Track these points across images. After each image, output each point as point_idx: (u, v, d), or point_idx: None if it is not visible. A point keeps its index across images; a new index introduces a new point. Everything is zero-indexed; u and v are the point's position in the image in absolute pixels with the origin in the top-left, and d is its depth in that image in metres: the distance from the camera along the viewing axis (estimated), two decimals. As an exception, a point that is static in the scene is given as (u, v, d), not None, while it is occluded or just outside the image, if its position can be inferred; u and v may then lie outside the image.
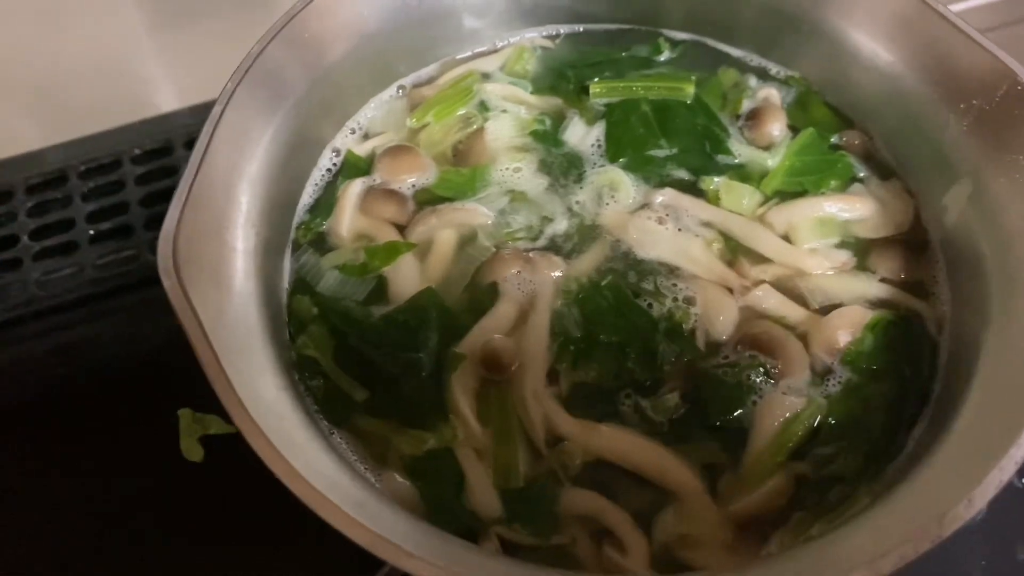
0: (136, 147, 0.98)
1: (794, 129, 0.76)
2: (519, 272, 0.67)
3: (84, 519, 0.72)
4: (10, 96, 1.10)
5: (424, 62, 0.81)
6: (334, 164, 0.75)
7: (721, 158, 0.74)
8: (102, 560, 0.71)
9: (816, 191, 0.72)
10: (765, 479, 0.59)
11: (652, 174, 0.73)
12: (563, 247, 0.70)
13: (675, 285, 0.67)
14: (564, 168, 0.74)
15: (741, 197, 0.71)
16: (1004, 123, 0.62)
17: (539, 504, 0.59)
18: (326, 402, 0.62)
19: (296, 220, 0.72)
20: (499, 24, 0.81)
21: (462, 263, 0.69)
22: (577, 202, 0.72)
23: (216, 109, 0.61)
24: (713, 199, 0.72)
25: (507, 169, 0.74)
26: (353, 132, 0.77)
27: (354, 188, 0.72)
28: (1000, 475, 0.49)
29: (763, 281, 0.67)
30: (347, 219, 0.71)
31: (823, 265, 0.68)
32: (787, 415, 0.61)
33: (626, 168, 0.74)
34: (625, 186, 0.72)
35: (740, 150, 0.75)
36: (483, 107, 0.78)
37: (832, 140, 0.75)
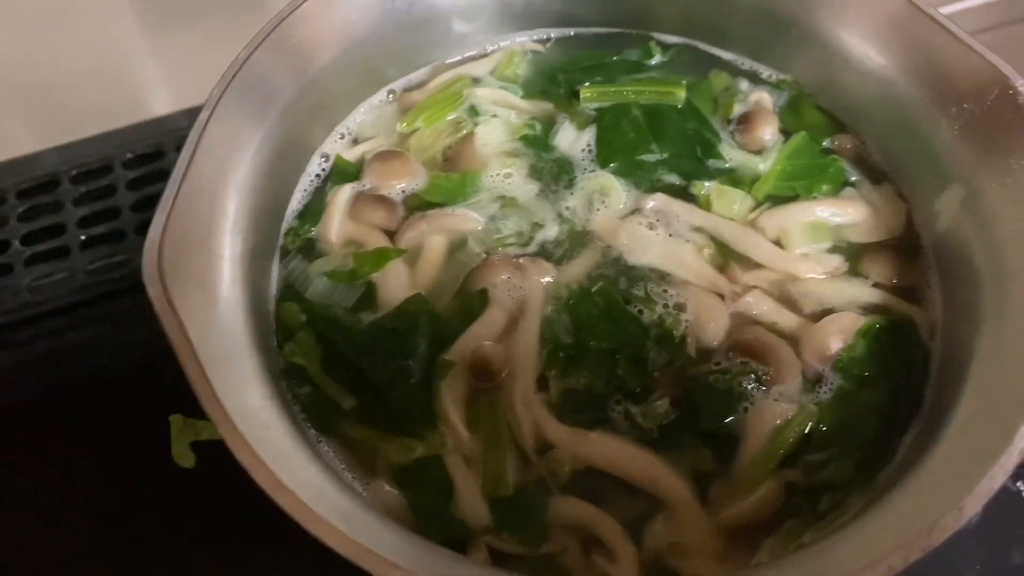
0: (128, 151, 0.98)
1: (786, 133, 0.75)
2: (509, 278, 0.67)
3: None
4: (2, 99, 1.09)
5: (414, 66, 0.80)
6: (323, 170, 0.75)
7: (712, 163, 0.74)
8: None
9: (808, 195, 0.71)
10: (756, 486, 0.58)
11: (643, 179, 0.73)
12: (553, 253, 0.70)
13: (666, 291, 0.67)
14: (555, 173, 0.74)
15: (732, 202, 0.71)
16: (996, 127, 0.62)
17: (528, 512, 0.58)
18: (314, 410, 0.62)
19: (284, 226, 0.72)
20: (489, 28, 0.81)
21: (452, 269, 0.69)
22: (567, 208, 0.72)
23: (202, 116, 0.61)
24: (704, 204, 0.71)
25: (497, 174, 0.74)
26: (342, 137, 0.77)
27: (343, 194, 0.72)
28: (990, 484, 0.49)
29: (754, 287, 0.67)
30: (336, 225, 0.70)
31: (815, 270, 0.68)
32: (778, 422, 0.61)
33: (617, 173, 0.73)
34: (616, 191, 0.72)
35: (731, 154, 0.74)
36: (473, 112, 0.77)
37: (824, 144, 0.75)
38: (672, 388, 0.63)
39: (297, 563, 0.64)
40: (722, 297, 0.67)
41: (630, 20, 0.82)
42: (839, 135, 0.76)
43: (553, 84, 0.79)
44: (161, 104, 1.10)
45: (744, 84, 0.79)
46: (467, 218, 0.71)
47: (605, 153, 0.74)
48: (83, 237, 0.91)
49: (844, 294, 0.67)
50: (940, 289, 0.67)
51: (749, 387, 0.62)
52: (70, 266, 0.89)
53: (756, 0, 0.76)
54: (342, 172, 0.74)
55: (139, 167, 0.96)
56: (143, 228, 0.89)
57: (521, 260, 0.68)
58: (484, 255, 0.69)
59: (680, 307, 0.66)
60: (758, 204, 0.72)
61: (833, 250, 0.69)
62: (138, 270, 0.84)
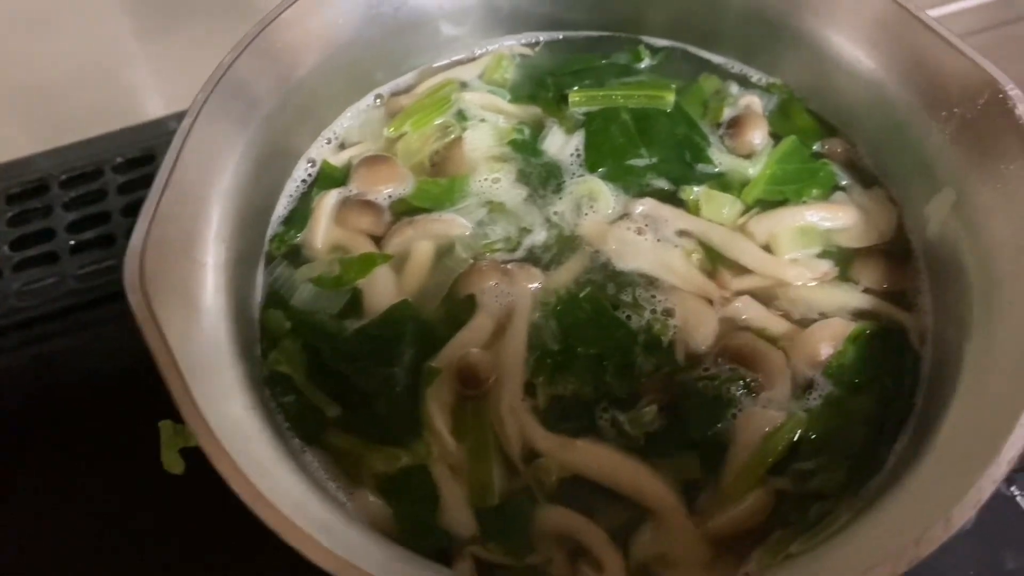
0: (118, 155, 0.97)
1: (776, 137, 0.75)
2: (497, 284, 0.66)
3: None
4: (-6, 103, 1.09)
5: (401, 71, 0.80)
6: (309, 175, 0.74)
7: (701, 167, 0.73)
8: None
9: (798, 200, 0.71)
10: (745, 495, 0.58)
11: (632, 184, 0.72)
12: (542, 258, 0.69)
13: (654, 297, 0.66)
14: (543, 178, 0.73)
15: (721, 207, 0.70)
16: (986, 132, 0.62)
17: (515, 522, 0.58)
18: (298, 419, 0.61)
19: (270, 232, 0.71)
20: (477, 32, 0.80)
21: (439, 275, 0.68)
22: (556, 213, 0.71)
23: (185, 122, 0.60)
24: (693, 209, 0.71)
25: (485, 179, 0.73)
26: (329, 142, 0.76)
27: (329, 199, 0.71)
28: (978, 495, 0.48)
29: (743, 292, 0.66)
30: (322, 230, 0.70)
31: (804, 275, 0.67)
32: (767, 429, 0.60)
33: (605, 178, 0.73)
34: (604, 196, 0.71)
35: (720, 159, 0.74)
36: (461, 116, 0.77)
37: (814, 148, 0.75)
38: (660, 395, 0.62)
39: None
40: (711, 302, 0.66)
41: (619, 23, 0.81)
42: (830, 139, 0.75)
43: (542, 88, 0.79)
44: (154, 107, 1.10)
45: (734, 88, 0.78)
46: (454, 223, 0.70)
47: (594, 158, 0.74)
48: (73, 242, 0.91)
49: (834, 299, 0.66)
50: (931, 294, 0.67)
51: (738, 394, 0.62)
52: (59, 271, 0.89)
53: (746, 3, 0.75)
54: (329, 177, 0.74)
55: (130, 171, 0.96)
56: (133, 233, 0.90)
57: (509, 266, 0.68)
58: (471, 261, 0.68)
59: (668, 312, 0.65)
60: (747, 209, 0.71)
61: (823, 255, 0.69)
62: (128, 275, 0.83)
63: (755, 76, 0.79)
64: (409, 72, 0.80)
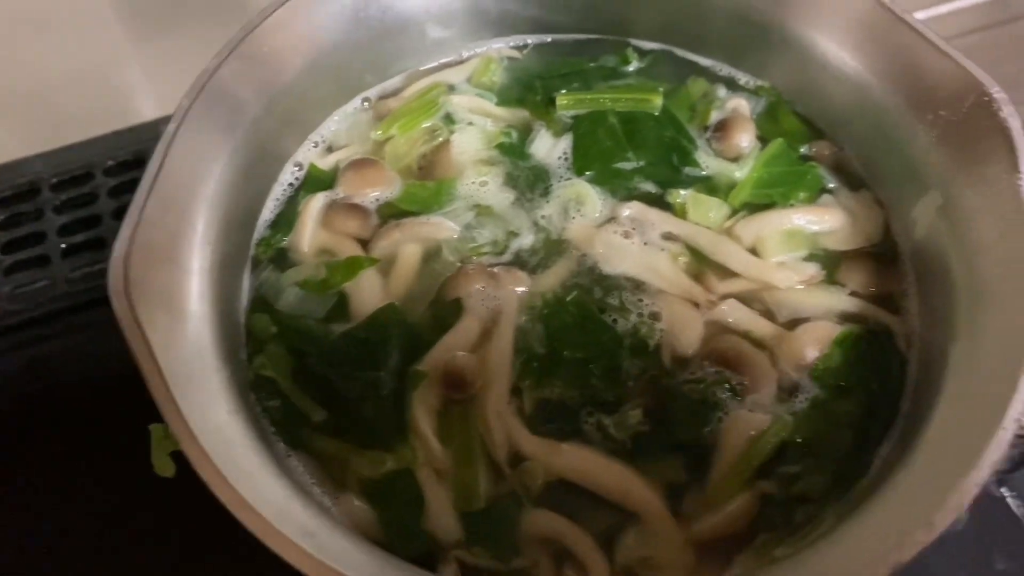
0: (110, 158, 0.97)
1: (763, 140, 0.74)
2: (483, 288, 0.66)
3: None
4: (-14, 105, 1.09)
5: (389, 74, 0.80)
6: (296, 178, 0.74)
7: (689, 170, 0.73)
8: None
9: (785, 203, 0.71)
10: (730, 499, 0.58)
11: (619, 187, 0.72)
12: (529, 262, 0.69)
13: (641, 300, 0.66)
14: (531, 182, 0.73)
15: (708, 210, 0.70)
16: (971, 134, 0.61)
17: (500, 526, 0.58)
18: (283, 423, 0.61)
19: (256, 236, 0.71)
20: (465, 34, 0.80)
21: (426, 279, 0.68)
22: (543, 216, 0.71)
23: (170, 127, 0.60)
24: (680, 212, 0.71)
25: (473, 183, 0.73)
26: (316, 145, 0.76)
27: (316, 202, 0.71)
28: (961, 498, 0.48)
29: (730, 295, 0.66)
30: (308, 234, 0.70)
31: (791, 279, 0.67)
32: (753, 432, 0.60)
33: (593, 181, 0.73)
34: (591, 200, 0.71)
35: (708, 162, 0.74)
36: (449, 120, 0.77)
37: (802, 151, 0.74)
38: (646, 398, 0.62)
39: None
40: (697, 306, 0.66)
41: (607, 26, 0.81)
42: (817, 142, 0.75)
43: (530, 91, 0.78)
44: (145, 110, 1.10)
45: (722, 91, 0.78)
46: (442, 227, 0.70)
47: (581, 161, 0.74)
48: (64, 245, 0.91)
49: (821, 303, 0.66)
50: (917, 298, 0.67)
51: (723, 397, 0.62)
52: (51, 274, 0.89)
53: (733, 5, 0.75)
54: (316, 181, 0.73)
55: (121, 174, 0.96)
56: (125, 236, 0.90)
57: (496, 269, 0.68)
58: (458, 264, 0.68)
59: (655, 316, 0.65)
60: (734, 212, 0.71)
61: (810, 258, 0.69)
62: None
63: (743, 79, 0.79)
64: (397, 75, 0.80)
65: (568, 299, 0.66)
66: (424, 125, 0.76)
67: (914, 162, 0.66)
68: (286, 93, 0.70)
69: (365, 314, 0.66)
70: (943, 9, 1.25)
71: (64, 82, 1.10)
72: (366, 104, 0.79)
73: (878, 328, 0.65)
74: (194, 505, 0.53)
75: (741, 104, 0.76)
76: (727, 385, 0.62)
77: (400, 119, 0.76)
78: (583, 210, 0.71)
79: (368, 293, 0.67)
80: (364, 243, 0.70)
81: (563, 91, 0.77)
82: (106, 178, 0.96)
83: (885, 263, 0.69)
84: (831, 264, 0.68)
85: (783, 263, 0.68)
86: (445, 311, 0.66)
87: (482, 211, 0.71)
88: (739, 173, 0.73)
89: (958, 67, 0.62)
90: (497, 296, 0.66)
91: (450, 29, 0.79)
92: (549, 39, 0.83)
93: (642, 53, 0.81)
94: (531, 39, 0.83)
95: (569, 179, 0.73)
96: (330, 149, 0.77)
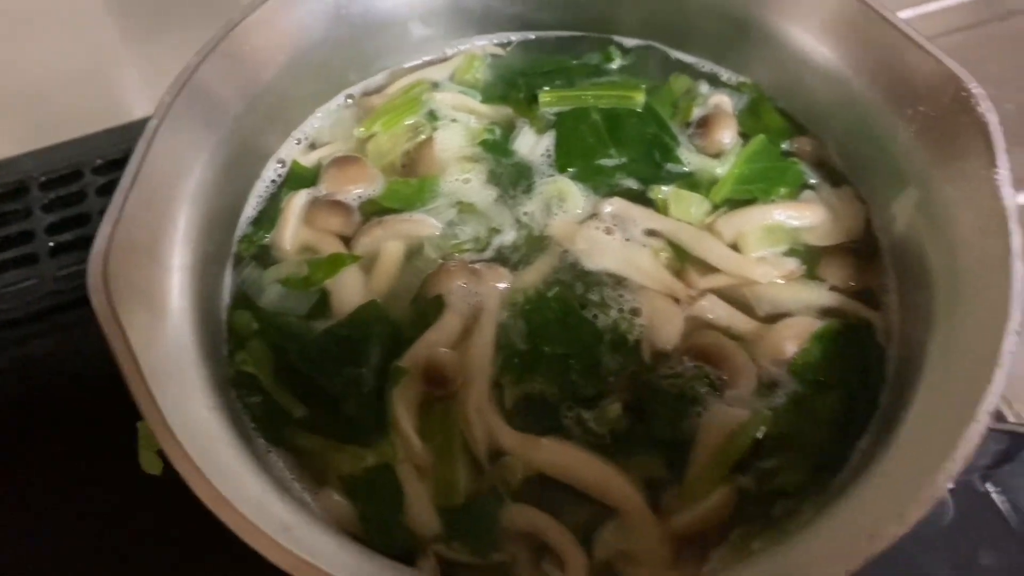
0: (98, 157, 0.97)
1: (745, 136, 0.75)
2: (465, 284, 0.66)
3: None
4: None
5: (372, 71, 0.80)
6: (279, 175, 0.74)
7: (671, 167, 0.73)
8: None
9: (765, 199, 0.71)
10: (708, 493, 0.58)
11: (601, 184, 0.73)
12: (511, 258, 0.69)
13: (621, 296, 0.66)
14: (513, 178, 0.73)
15: (689, 206, 0.70)
16: (950, 130, 0.62)
17: (479, 521, 0.58)
18: (264, 420, 0.62)
19: (238, 233, 0.71)
20: (448, 32, 0.80)
21: (408, 276, 0.68)
22: (526, 213, 0.71)
23: (151, 124, 0.61)
24: (662, 208, 0.71)
25: (456, 180, 0.73)
26: (299, 143, 0.76)
27: (298, 199, 0.71)
28: (933, 491, 0.48)
29: (710, 291, 0.66)
30: (291, 231, 0.70)
31: (771, 274, 0.67)
32: (731, 427, 0.60)
33: (575, 178, 0.73)
34: (574, 196, 0.71)
35: (689, 158, 0.74)
36: (432, 117, 0.77)
37: (784, 147, 0.75)
38: (626, 393, 0.62)
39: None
40: (678, 301, 0.66)
41: (591, 23, 0.81)
42: (799, 138, 0.75)
43: (513, 88, 0.79)
44: (136, 110, 1.10)
45: (704, 87, 0.78)
46: (424, 223, 0.70)
47: (564, 158, 0.74)
48: (52, 244, 0.91)
49: (800, 298, 0.66)
50: (897, 293, 0.67)
51: (703, 391, 0.62)
52: (39, 273, 0.89)
53: (715, 2, 0.75)
54: (298, 178, 0.74)
55: (110, 173, 0.96)
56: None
57: (477, 266, 0.68)
58: (440, 261, 0.68)
59: (635, 312, 0.66)
60: (716, 208, 0.71)
61: (790, 253, 0.69)
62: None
63: (725, 75, 0.79)
64: (380, 73, 0.81)
65: (549, 295, 0.66)
66: (407, 122, 0.76)
67: (894, 157, 0.67)
68: (269, 90, 0.70)
69: (347, 311, 0.66)
70: (930, 7, 1.25)
71: (54, 81, 1.10)
72: (349, 101, 0.79)
73: (858, 323, 0.66)
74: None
75: (723, 100, 0.76)
76: (706, 380, 0.62)
77: (383, 116, 0.76)
78: (565, 206, 0.71)
79: (350, 290, 0.67)
80: (346, 240, 0.71)
81: (546, 88, 0.78)
82: (95, 177, 0.96)
83: (865, 258, 0.69)
84: (811, 259, 0.69)
85: (763, 258, 0.68)
86: (427, 308, 0.66)
87: (465, 208, 0.72)
88: (720, 169, 0.73)
89: (937, 63, 0.62)
90: (479, 292, 0.66)
91: (433, 27, 0.79)
92: (533, 36, 0.83)
93: (625, 50, 0.81)
94: (515, 36, 0.83)
95: (552, 176, 0.74)
96: (313, 146, 0.77)
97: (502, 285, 0.67)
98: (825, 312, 0.66)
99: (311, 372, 0.63)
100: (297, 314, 0.66)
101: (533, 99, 0.78)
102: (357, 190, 0.73)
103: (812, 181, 0.73)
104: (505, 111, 0.78)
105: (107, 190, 0.94)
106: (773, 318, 0.65)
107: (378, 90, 0.80)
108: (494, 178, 0.74)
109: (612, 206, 0.70)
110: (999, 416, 0.83)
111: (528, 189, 0.73)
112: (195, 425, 0.53)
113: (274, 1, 0.68)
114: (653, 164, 0.73)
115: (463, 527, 0.58)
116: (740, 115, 0.76)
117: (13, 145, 0.99)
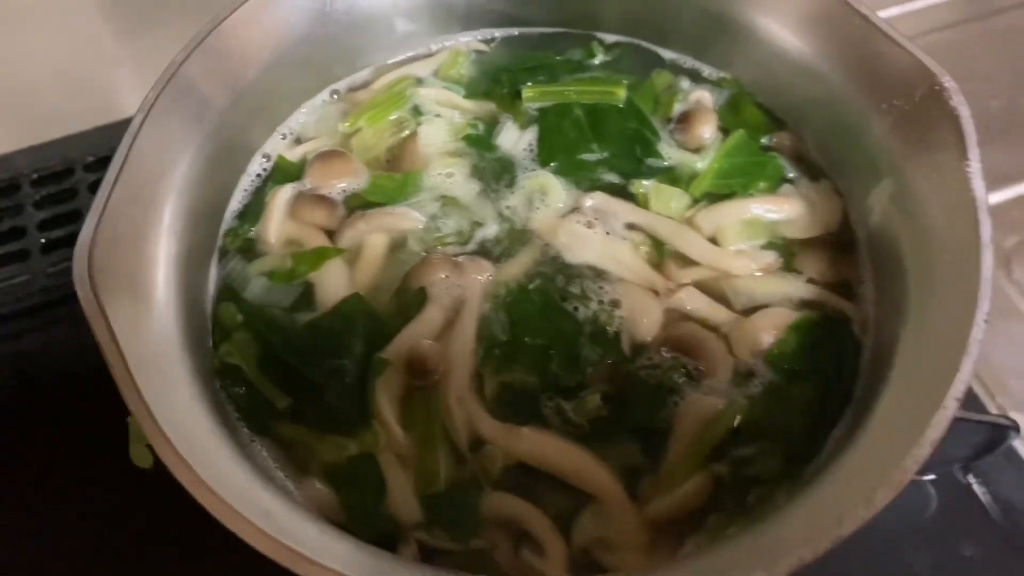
0: (89, 154, 0.98)
1: (725, 131, 0.76)
2: (447, 277, 0.67)
3: (77, 515, 0.73)
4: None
5: (357, 67, 0.81)
6: (264, 170, 0.75)
7: (651, 161, 0.74)
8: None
9: (745, 193, 0.72)
10: (684, 480, 0.59)
11: (583, 178, 0.74)
12: (493, 251, 0.70)
13: (602, 288, 0.67)
14: (496, 173, 0.74)
15: (669, 200, 0.71)
16: (923, 123, 0.63)
17: (460, 509, 0.59)
18: (248, 410, 0.62)
19: (224, 227, 0.72)
20: (433, 28, 0.81)
21: (391, 269, 0.69)
22: (508, 207, 0.72)
23: (136, 119, 0.61)
24: (642, 202, 0.72)
25: (439, 174, 0.74)
26: (284, 137, 0.77)
27: (283, 193, 0.72)
28: (902, 475, 0.49)
29: (689, 283, 0.67)
30: (275, 224, 0.71)
31: (749, 267, 0.68)
32: (708, 416, 0.61)
33: (557, 172, 0.74)
34: (555, 190, 0.72)
35: (670, 153, 0.75)
36: (416, 112, 0.78)
37: (764, 141, 0.76)
38: (605, 384, 0.63)
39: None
40: (657, 294, 0.67)
41: (574, 20, 0.82)
42: (778, 132, 0.76)
43: (496, 84, 0.80)
44: (127, 107, 1.10)
45: (685, 83, 0.79)
46: (407, 217, 0.71)
47: (546, 153, 0.75)
48: (44, 240, 0.92)
49: (778, 290, 0.67)
50: (873, 284, 0.68)
51: (680, 381, 0.63)
52: (31, 269, 0.90)
53: (696, -2, 0.76)
54: (283, 172, 0.75)
55: (101, 170, 0.95)
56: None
57: (460, 259, 0.69)
58: (423, 254, 0.69)
59: (615, 304, 0.67)
60: (695, 202, 0.72)
61: (768, 246, 0.70)
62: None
63: (707, 71, 0.80)
64: (365, 68, 0.81)
65: (531, 287, 0.67)
66: (392, 117, 0.77)
67: (869, 150, 0.68)
68: (254, 86, 0.71)
69: (331, 303, 0.67)
70: (917, 5, 1.26)
71: (45, 78, 1.11)
72: (335, 97, 0.80)
73: (834, 314, 0.67)
74: (194, 505, 0.55)
75: (704, 96, 0.77)
76: (684, 370, 0.63)
77: (368, 111, 0.77)
78: (547, 200, 0.72)
79: (334, 283, 0.68)
80: (331, 234, 0.71)
81: (529, 84, 0.79)
82: (86, 174, 0.97)
83: (842, 251, 0.70)
84: (789, 252, 0.70)
85: (742, 252, 0.69)
86: (409, 300, 0.67)
87: (448, 202, 0.73)
88: (701, 164, 0.74)
89: (911, 57, 0.63)
90: (461, 285, 0.67)
91: (417, 23, 0.80)
92: (516, 33, 0.84)
93: (607, 47, 0.82)
94: (498, 33, 0.84)
95: (534, 170, 0.75)
96: (298, 141, 0.78)
97: (484, 278, 0.68)
98: (802, 304, 0.67)
99: (295, 363, 0.63)
100: (281, 306, 0.67)
101: (516, 95, 0.79)
102: (341, 184, 0.74)
103: (791, 175, 0.74)
104: (488, 106, 0.79)
105: (98, 187, 0.94)
106: (751, 310, 0.66)
107: (363, 86, 0.81)
108: (477, 172, 0.75)
109: (593, 200, 0.71)
110: (981, 408, 0.84)
111: (511, 183, 0.74)
112: (179, 415, 0.54)
113: (258, -3, 0.69)
114: (634, 159, 0.74)
115: (444, 514, 0.59)
116: (720, 110, 0.77)
117: (5, 142, 0.99)
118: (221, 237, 0.71)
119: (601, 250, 0.69)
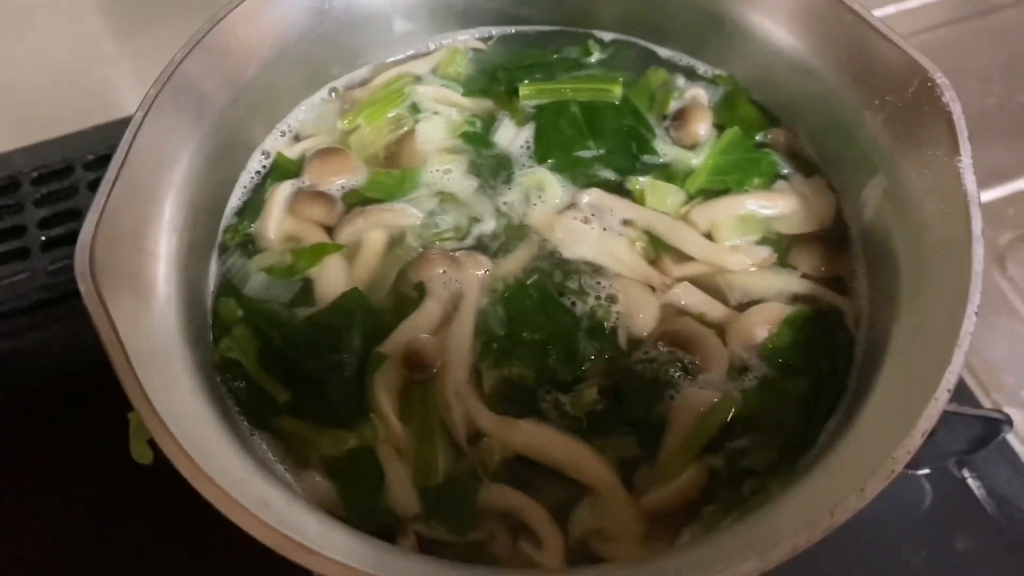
0: (89, 152, 0.99)
1: (720, 128, 0.76)
2: (445, 272, 0.68)
3: (78, 512, 0.73)
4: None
5: (355, 65, 0.81)
6: (264, 167, 0.76)
7: (647, 158, 0.75)
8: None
9: (740, 189, 0.73)
10: (680, 472, 0.60)
11: (579, 175, 0.74)
12: (490, 247, 0.71)
13: (599, 283, 0.68)
14: (493, 169, 0.75)
15: (665, 196, 0.72)
16: (915, 119, 0.63)
17: (458, 501, 0.59)
18: (248, 404, 0.63)
19: (224, 223, 0.72)
20: (431, 27, 0.82)
21: (389, 264, 0.70)
22: (505, 203, 0.73)
23: (136, 116, 0.62)
24: (638, 199, 0.73)
25: (437, 171, 0.75)
26: (283, 135, 0.78)
27: (282, 190, 0.73)
28: (893, 465, 0.50)
29: (685, 278, 0.68)
30: (275, 221, 0.71)
31: (744, 262, 0.69)
32: (703, 409, 0.62)
33: (554, 169, 0.74)
34: (552, 187, 0.73)
35: (665, 150, 0.75)
36: (415, 109, 0.78)
37: (758, 138, 0.76)
38: (602, 378, 0.64)
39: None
40: (653, 289, 0.68)
41: (570, 18, 0.83)
42: (773, 129, 0.77)
43: (494, 82, 0.80)
44: (127, 105, 1.11)
45: (681, 80, 0.80)
46: (405, 213, 0.72)
47: (543, 150, 0.76)
48: (44, 238, 0.93)
49: (772, 285, 0.68)
50: (867, 279, 0.68)
51: (676, 375, 0.63)
52: (31, 267, 0.91)
53: (690, -5, 0.77)
54: (282, 169, 0.75)
55: (101, 168, 0.95)
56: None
57: (457, 254, 0.69)
58: (421, 249, 0.70)
59: (612, 299, 0.67)
60: (691, 198, 0.73)
61: (763, 242, 0.71)
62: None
63: (702, 68, 0.81)
64: (364, 66, 0.82)
65: (528, 283, 0.68)
66: (390, 115, 0.78)
67: (862, 146, 0.68)
68: (253, 84, 0.71)
69: (330, 299, 0.67)
70: (913, 3, 1.27)
71: (45, 77, 1.11)
72: (333, 95, 0.81)
73: (828, 309, 0.67)
74: (194, 504, 0.56)
75: (699, 93, 0.78)
76: (680, 364, 0.64)
77: (366, 109, 0.77)
78: (544, 197, 0.73)
79: (333, 278, 0.69)
80: (330, 230, 0.72)
81: (526, 81, 0.79)
82: (86, 172, 0.98)
83: (836, 246, 0.70)
84: (783, 247, 0.70)
85: (737, 247, 0.70)
86: (407, 295, 0.68)
87: (446, 198, 0.73)
88: (696, 160, 0.75)
89: (903, 54, 0.64)
90: (458, 280, 0.68)
91: (416, 21, 0.81)
92: (513, 31, 0.85)
93: (604, 45, 0.83)
94: (496, 31, 0.84)
95: (531, 167, 0.75)
96: (297, 138, 0.78)
97: (482, 273, 0.68)
98: (796, 299, 0.68)
99: (294, 358, 0.64)
100: (281, 302, 0.68)
101: (513, 92, 0.79)
102: (340, 181, 0.74)
103: (785, 171, 0.74)
104: (486, 104, 0.80)
105: (98, 185, 0.95)
106: (746, 305, 0.67)
107: (362, 84, 0.81)
108: (475, 169, 0.75)
109: (590, 196, 0.72)
110: (975, 403, 0.85)
111: (508, 180, 0.74)
112: (180, 408, 0.54)
113: (258, -5, 0.69)
114: (630, 155, 0.75)
115: (442, 507, 0.59)
116: (715, 107, 0.78)
117: (5, 141, 1.00)
118: (221, 233, 0.72)
119: (598, 246, 0.70)
